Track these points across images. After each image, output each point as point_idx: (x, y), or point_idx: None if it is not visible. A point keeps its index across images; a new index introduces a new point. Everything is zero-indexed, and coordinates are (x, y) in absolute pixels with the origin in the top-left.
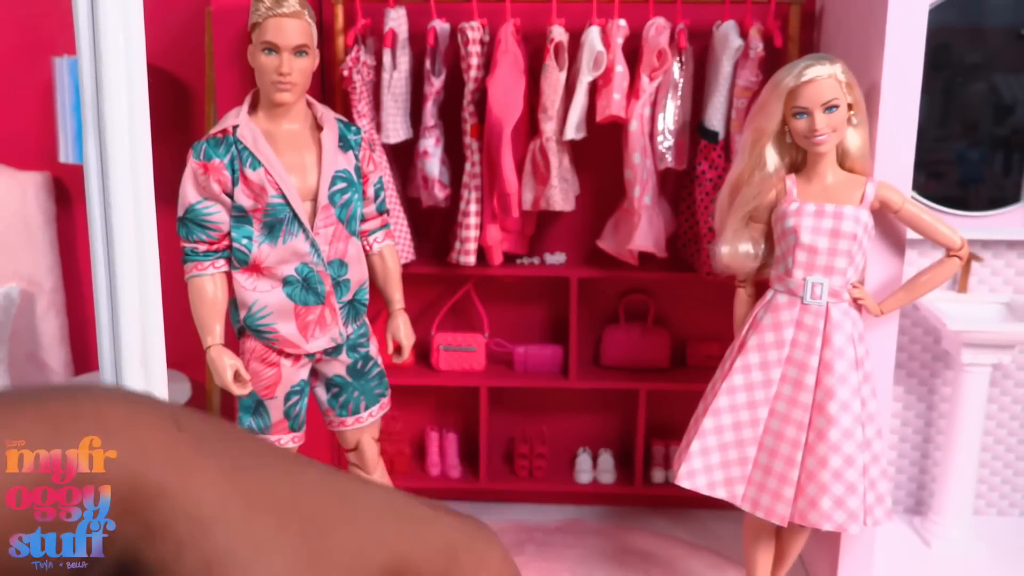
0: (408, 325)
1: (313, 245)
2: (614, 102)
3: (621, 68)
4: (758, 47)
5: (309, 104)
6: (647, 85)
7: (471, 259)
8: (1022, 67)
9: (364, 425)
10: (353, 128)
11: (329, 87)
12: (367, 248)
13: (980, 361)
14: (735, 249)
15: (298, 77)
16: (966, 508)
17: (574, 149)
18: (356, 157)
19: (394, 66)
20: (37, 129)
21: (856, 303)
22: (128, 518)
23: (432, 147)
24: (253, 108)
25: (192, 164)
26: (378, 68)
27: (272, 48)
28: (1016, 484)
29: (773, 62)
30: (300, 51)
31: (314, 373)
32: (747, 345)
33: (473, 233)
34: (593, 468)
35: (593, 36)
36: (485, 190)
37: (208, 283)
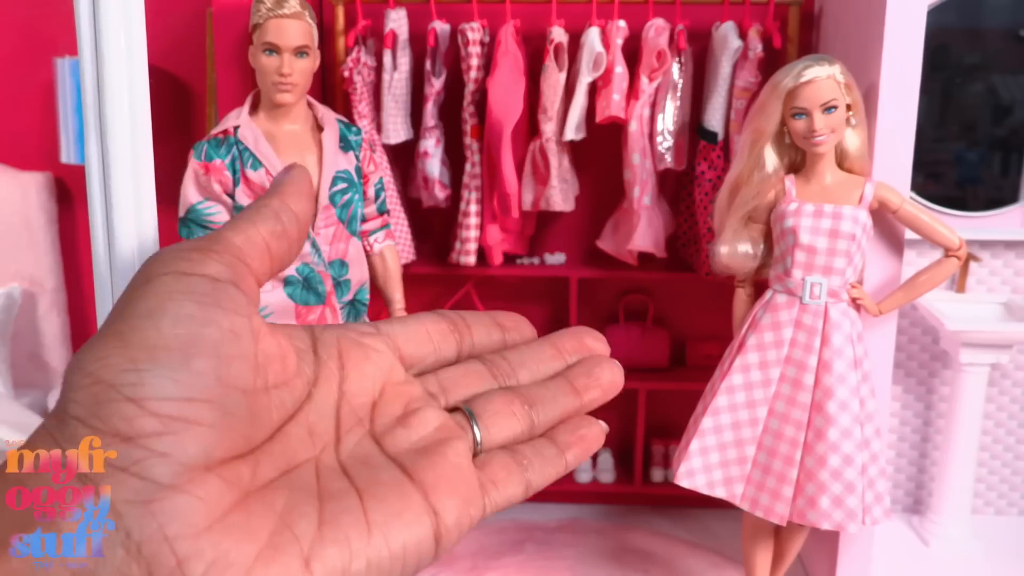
0: None
1: (314, 245)
2: (613, 103)
3: (621, 69)
4: (757, 48)
5: (310, 105)
6: (646, 86)
7: (471, 259)
8: (1021, 68)
9: None
10: (354, 129)
11: (330, 88)
12: (368, 248)
13: (978, 361)
14: (734, 249)
15: (299, 78)
16: (964, 507)
17: (574, 150)
18: (357, 157)
19: (394, 67)
20: (39, 130)
21: (855, 303)
22: None
23: (432, 148)
24: (254, 109)
25: (193, 164)
26: (378, 69)
27: (273, 49)
28: (1014, 483)
29: (772, 63)
30: (301, 52)
31: None
32: (746, 345)
33: (473, 233)
34: (593, 467)
35: (593, 37)
36: (485, 190)
37: None
